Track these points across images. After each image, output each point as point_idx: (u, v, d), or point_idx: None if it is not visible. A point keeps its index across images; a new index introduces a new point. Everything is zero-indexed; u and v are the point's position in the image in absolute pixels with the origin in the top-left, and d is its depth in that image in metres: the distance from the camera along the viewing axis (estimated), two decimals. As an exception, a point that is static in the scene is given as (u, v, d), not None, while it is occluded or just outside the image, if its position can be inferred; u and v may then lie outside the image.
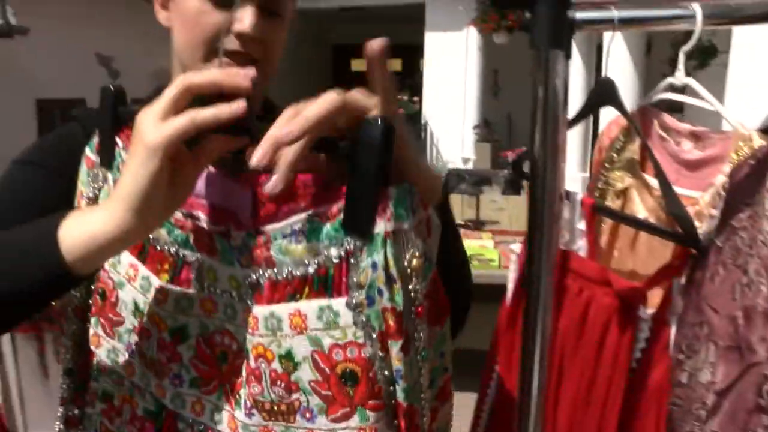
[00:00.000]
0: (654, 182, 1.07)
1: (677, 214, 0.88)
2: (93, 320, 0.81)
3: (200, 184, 0.72)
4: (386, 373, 0.65)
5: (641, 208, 1.08)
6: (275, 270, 0.67)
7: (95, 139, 0.81)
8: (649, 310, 0.94)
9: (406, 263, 0.62)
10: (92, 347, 0.82)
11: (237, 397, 0.73)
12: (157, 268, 0.75)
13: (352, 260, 0.63)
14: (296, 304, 0.66)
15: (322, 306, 0.65)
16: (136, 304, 0.76)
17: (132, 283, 0.76)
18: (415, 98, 10.65)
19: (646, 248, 1.05)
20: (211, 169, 0.72)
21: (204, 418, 0.76)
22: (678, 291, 0.90)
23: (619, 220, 1.05)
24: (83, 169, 0.82)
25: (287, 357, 0.67)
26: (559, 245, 1.09)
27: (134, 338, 0.77)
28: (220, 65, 0.84)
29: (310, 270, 0.65)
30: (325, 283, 0.65)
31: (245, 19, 0.86)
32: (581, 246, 1.10)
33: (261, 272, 0.68)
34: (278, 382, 0.68)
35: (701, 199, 1.00)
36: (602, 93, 1.06)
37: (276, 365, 0.67)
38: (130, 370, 0.79)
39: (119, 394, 0.81)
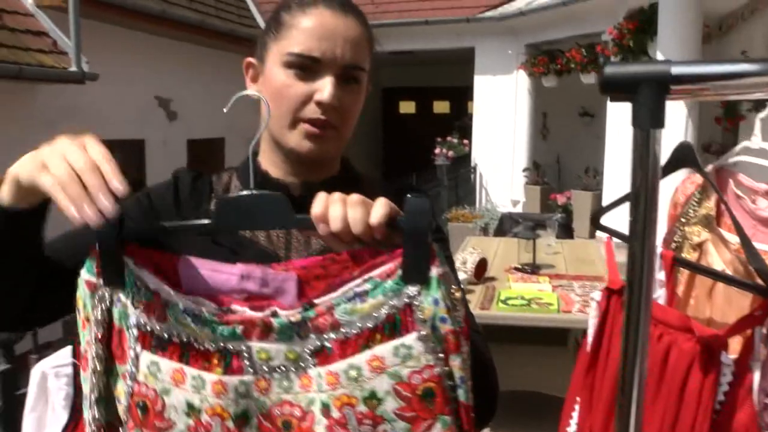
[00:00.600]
0: (729, 236, 1.15)
1: (759, 268, 0.96)
2: None
3: (232, 282, 0.83)
4: (449, 382, 0.79)
5: (718, 260, 1.16)
6: (343, 330, 0.79)
7: (94, 261, 0.84)
8: (731, 356, 1.02)
9: (452, 295, 0.79)
10: None
11: None
12: (204, 366, 0.81)
13: (415, 302, 0.78)
14: (371, 351, 0.78)
15: (396, 345, 0.78)
16: (189, 405, 0.81)
17: (181, 386, 0.81)
18: (465, 140, 10.77)
19: (723, 297, 1.13)
20: (240, 266, 0.84)
21: None
22: (761, 339, 0.98)
23: (700, 272, 1.14)
24: (84, 292, 0.85)
25: (371, 397, 0.78)
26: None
27: (188, 424, 0.81)
28: (300, 133, 1.01)
29: (379, 321, 0.78)
30: (393, 327, 0.78)
31: (324, 89, 0.99)
32: (661, 295, 1.18)
33: (326, 336, 0.79)
34: (365, 421, 0.78)
35: (778, 254, 1.08)
36: (681, 155, 1.15)
37: (361, 407, 0.78)
38: None
39: None
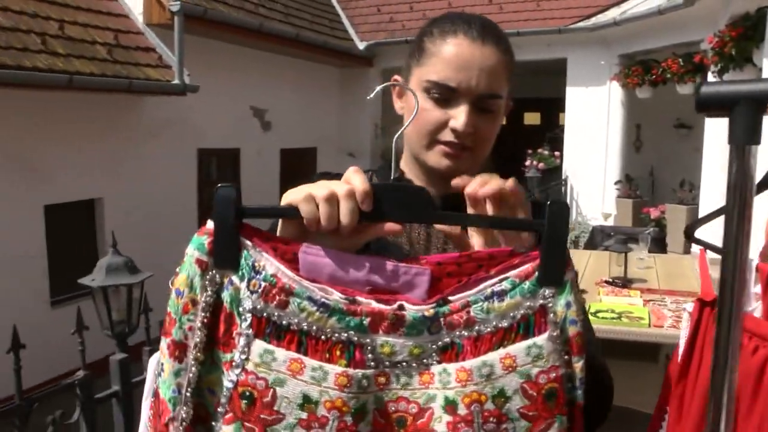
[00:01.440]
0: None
1: None
2: (231, 428, 0.79)
3: (359, 273, 0.82)
4: (569, 384, 0.82)
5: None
6: (477, 327, 0.81)
7: (205, 239, 0.81)
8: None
9: (580, 300, 0.85)
10: None
11: None
12: (325, 357, 0.79)
13: (549, 304, 0.81)
14: (505, 350, 0.80)
15: (528, 345, 0.80)
16: (306, 397, 0.78)
17: (299, 376, 0.78)
18: (556, 153, 10.65)
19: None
20: (369, 257, 0.83)
21: None
22: None
23: (796, 286, 1.14)
24: (194, 271, 0.81)
25: (500, 395, 0.79)
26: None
27: (300, 417, 0.78)
28: (438, 153, 1.08)
29: (515, 320, 0.81)
30: (527, 327, 0.81)
31: (459, 117, 1.06)
32: (757, 307, 1.19)
33: (458, 333, 0.81)
34: (490, 419, 0.79)
35: None
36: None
37: (489, 405, 0.79)
38: None
39: None
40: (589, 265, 4.56)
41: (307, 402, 0.78)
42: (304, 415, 0.78)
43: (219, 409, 0.81)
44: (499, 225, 0.89)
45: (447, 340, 0.81)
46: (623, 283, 3.91)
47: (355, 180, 0.83)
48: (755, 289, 1.19)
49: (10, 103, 5.64)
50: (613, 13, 9.60)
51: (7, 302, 5.68)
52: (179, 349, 0.82)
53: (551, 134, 11.24)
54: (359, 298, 0.81)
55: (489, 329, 0.81)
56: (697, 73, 8.08)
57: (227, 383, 0.80)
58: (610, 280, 3.96)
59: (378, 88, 0.96)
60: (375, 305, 0.80)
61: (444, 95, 1.07)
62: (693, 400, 1.23)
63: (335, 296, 0.80)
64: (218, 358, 0.81)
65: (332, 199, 0.81)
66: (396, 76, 1.16)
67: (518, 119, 14.54)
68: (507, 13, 10.40)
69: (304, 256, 0.82)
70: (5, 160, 5.61)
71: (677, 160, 10.16)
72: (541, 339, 0.80)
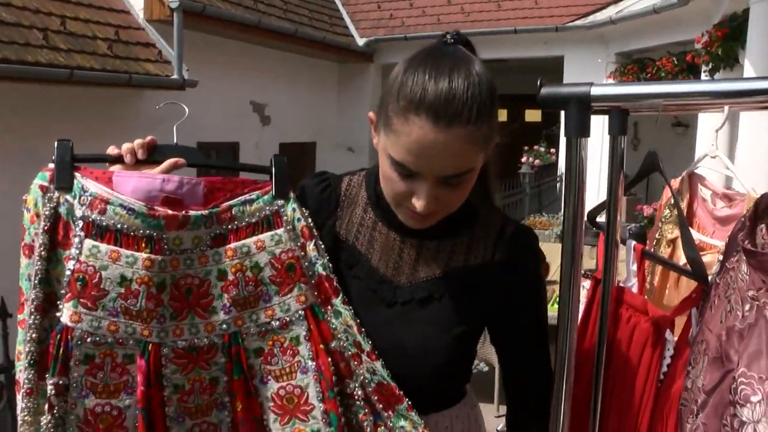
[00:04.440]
0: (695, 234, 1.31)
1: (690, 257, 1.12)
2: (70, 304, 1.09)
3: (156, 183, 1.15)
4: (306, 262, 1.20)
5: (683, 254, 1.32)
6: (236, 223, 1.18)
7: (47, 173, 1.13)
8: (675, 336, 1.18)
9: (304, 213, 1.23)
10: (70, 323, 1.09)
11: (208, 310, 1.17)
12: (135, 248, 1.12)
13: (281, 210, 1.20)
14: (257, 237, 1.19)
15: (272, 234, 1.19)
16: (122, 276, 1.11)
17: (117, 263, 1.11)
18: (552, 150, 10.75)
19: (686, 286, 1.29)
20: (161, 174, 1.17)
21: (185, 335, 1.16)
22: (695, 319, 1.14)
23: (657, 262, 1.30)
24: (38, 193, 1.13)
25: (255, 266, 1.18)
26: (616, 283, 1.35)
27: (119, 302, 1.11)
28: (405, 214, 1.16)
29: (260, 218, 1.19)
30: (269, 224, 1.20)
31: (420, 197, 1.06)
32: (634, 283, 1.35)
33: (225, 226, 1.18)
34: (249, 283, 1.18)
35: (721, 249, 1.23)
36: (650, 164, 1.32)
37: (249, 273, 1.18)
38: (114, 327, 1.11)
39: (100, 352, 1.11)
40: (565, 257, 4.70)
41: (123, 280, 1.12)
42: (122, 290, 1.12)
43: (61, 291, 1.12)
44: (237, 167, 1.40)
45: (218, 231, 1.18)
46: (594, 274, 4.06)
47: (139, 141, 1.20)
48: (633, 267, 1.35)
49: (12, 97, 5.82)
50: (609, 12, 9.69)
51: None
52: (29, 250, 1.14)
53: (548, 131, 11.35)
54: (157, 207, 1.14)
55: (244, 223, 1.19)
56: (690, 72, 8.17)
57: (67, 272, 1.11)
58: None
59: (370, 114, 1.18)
60: (170, 212, 1.14)
61: (406, 172, 1.06)
62: (584, 365, 1.37)
63: (139, 204, 1.12)
64: (61, 255, 1.13)
65: (130, 147, 1.19)
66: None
67: (519, 116, 14.65)
68: (505, 10, 10.51)
69: (117, 178, 1.15)
70: (6, 154, 5.79)
71: (673, 159, 10.17)
72: (280, 231, 1.19)
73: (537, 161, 10.46)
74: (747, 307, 0.94)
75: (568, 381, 1.10)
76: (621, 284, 1.37)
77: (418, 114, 1.01)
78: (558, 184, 10.56)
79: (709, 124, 6.95)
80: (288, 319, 1.19)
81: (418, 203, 1.07)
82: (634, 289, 1.34)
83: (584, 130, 1.00)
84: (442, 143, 1.01)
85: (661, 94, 0.98)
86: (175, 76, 6.93)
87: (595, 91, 0.98)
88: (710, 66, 7.00)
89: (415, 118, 1.01)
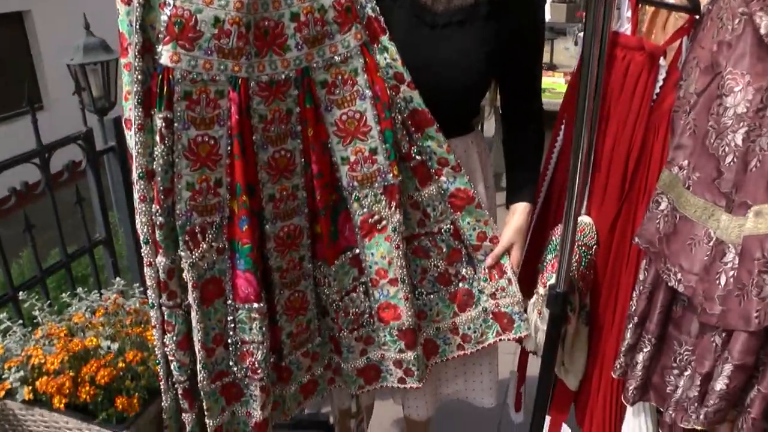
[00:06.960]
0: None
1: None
2: (169, 46, 1.26)
3: None
4: (358, 6, 1.43)
5: (672, -1, 1.55)
6: None
7: None
8: (667, 62, 1.44)
9: None
10: (170, 63, 1.26)
11: (283, 48, 1.38)
12: None
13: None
14: None
15: None
16: (216, 18, 1.26)
17: (210, 5, 1.26)
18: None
19: (673, 27, 1.53)
20: None
21: (266, 70, 1.37)
22: (686, 47, 1.39)
23: (651, 4, 1.53)
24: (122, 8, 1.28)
25: (321, 9, 1.38)
26: (611, 28, 1.58)
27: (213, 42, 1.27)
28: None
29: None
30: None
31: None
32: (628, 28, 1.58)
33: None
34: (317, 23, 1.38)
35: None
36: None
37: (316, 14, 1.37)
38: (209, 65, 1.29)
39: (196, 89, 1.30)
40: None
41: (217, 21, 1.28)
42: (216, 31, 1.28)
43: (159, 36, 1.27)
44: None
45: None
46: (548, 67, 4.33)
47: None
48: (627, 14, 1.57)
49: None
50: None
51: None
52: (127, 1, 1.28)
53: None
54: None
55: None
56: None
57: (163, 18, 1.25)
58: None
59: None
60: None
61: None
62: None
63: None
64: (155, 2, 1.26)
65: None
66: None
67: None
68: None
69: None
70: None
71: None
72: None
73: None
74: (737, 21, 1.18)
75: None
76: (615, 29, 1.60)
77: None
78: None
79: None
80: (348, 54, 1.42)
81: None
82: (628, 33, 1.57)
83: None
84: None
85: None
86: None
87: None
88: None
89: None
